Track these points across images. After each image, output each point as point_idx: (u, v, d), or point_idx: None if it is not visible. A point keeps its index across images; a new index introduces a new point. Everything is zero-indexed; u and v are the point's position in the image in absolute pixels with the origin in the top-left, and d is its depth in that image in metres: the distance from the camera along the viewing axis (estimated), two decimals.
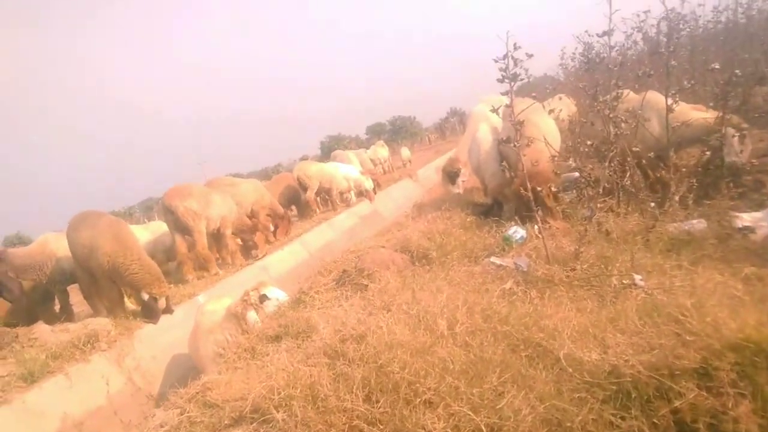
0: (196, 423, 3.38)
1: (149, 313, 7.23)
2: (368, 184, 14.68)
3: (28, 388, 5.57)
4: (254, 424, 3.01)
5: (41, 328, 6.84)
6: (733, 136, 5.72)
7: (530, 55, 4.75)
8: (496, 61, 4.80)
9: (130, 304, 7.75)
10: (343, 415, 2.67)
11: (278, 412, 2.85)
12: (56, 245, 8.21)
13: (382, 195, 15.61)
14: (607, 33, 5.51)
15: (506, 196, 7.09)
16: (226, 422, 3.21)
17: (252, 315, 4.96)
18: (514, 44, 4.63)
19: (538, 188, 5.36)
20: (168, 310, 7.37)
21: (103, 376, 6.11)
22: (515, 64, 4.76)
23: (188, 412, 3.50)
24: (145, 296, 7.09)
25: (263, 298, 5.04)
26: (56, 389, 5.69)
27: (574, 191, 6.90)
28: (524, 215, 5.75)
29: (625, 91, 6.40)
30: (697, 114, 6.00)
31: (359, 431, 2.59)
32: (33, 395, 5.49)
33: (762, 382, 2.36)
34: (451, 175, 9.72)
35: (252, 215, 10.99)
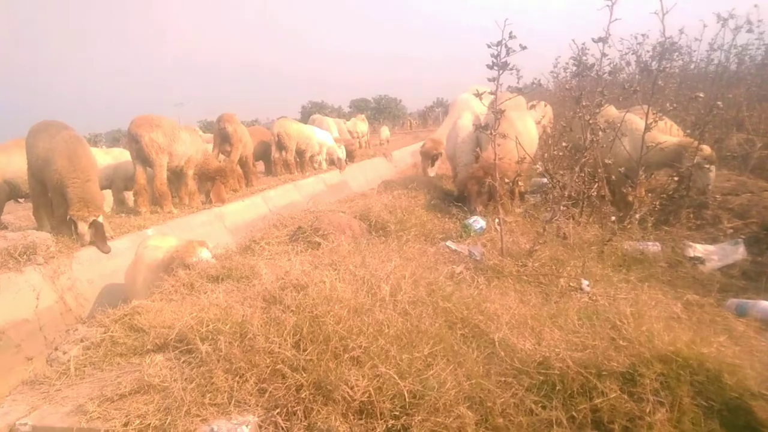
0: (119, 343, 3.29)
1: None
2: (341, 153, 14.51)
3: None
4: (176, 352, 2.93)
5: None
6: (701, 167, 5.82)
7: (524, 47, 4.70)
8: (489, 47, 4.73)
9: None
10: (268, 357, 2.61)
11: (203, 344, 2.78)
12: None
13: (353, 168, 15.46)
14: (603, 39, 5.47)
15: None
16: (148, 347, 3.13)
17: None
18: (510, 33, 4.57)
19: (494, 180, 5.33)
20: (101, 247, 6.84)
21: (34, 290, 5.89)
22: (507, 53, 4.70)
23: (112, 332, 3.39)
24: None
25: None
26: None
27: (540, 195, 6.96)
28: (486, 206, 5.78)
29: (608, 106, 6.45)
30: (669, 138, 6.09)
31: (281, 375, 2.53)
32: None
33: (682, 395, 2.40)
34: (431, 156, 9.76)
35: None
